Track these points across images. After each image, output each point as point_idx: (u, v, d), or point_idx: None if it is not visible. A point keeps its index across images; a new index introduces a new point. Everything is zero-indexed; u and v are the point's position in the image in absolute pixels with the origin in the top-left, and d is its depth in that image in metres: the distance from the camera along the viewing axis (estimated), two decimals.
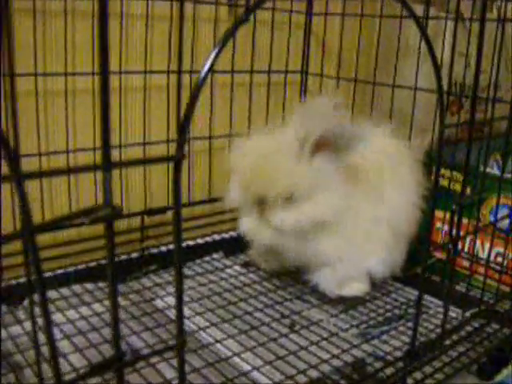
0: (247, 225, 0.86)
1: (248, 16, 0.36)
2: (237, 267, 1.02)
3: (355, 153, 0.82)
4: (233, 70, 1.09)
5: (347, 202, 0.80)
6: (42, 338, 0.75)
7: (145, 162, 0.35)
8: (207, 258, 1.05)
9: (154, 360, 0.71)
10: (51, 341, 0.32)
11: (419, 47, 1.01)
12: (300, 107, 0.83)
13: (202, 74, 0.35)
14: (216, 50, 0.36)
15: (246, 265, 1.03)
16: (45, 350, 0.72)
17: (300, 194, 0.79)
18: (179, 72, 0.30)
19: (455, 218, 0.60)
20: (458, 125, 0.99)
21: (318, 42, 1.22)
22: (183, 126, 0.34)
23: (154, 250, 1.03)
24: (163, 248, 1.05)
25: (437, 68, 0.60)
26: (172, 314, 0.85)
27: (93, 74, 0.93)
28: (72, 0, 0.91)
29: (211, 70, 0.35)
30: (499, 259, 0.96)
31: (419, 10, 0.92)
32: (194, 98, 0.34)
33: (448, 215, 1.01)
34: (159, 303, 0.88)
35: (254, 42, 1.11)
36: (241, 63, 1.11)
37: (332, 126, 0.77)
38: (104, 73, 0.30)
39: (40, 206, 0.91)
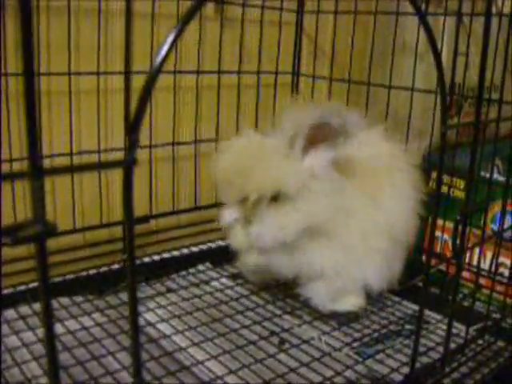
0: (236, 240, 0.80)
1: None
2: (224, 280, 0.96)
3: (352, 145, 0.76)
4: (219, 70, 1.03)
5: (341, 207, 0.75)
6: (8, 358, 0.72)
7: (90, 167, 0.29)
8: (193, 270, 0.99)
9: None
10: None
11: (416, 46, 0.95)
12: (290, 107, 0.78)
13: (157, 61, 0.29)
14: (173, 35, 0.30)
15: (233, 277, 0.97)
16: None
17: (287, 195, 0.73)
18: (127, 72, 0.25)
19: (459, 229, 0.54)
20: (461, 125, 0.93)
21: (310, 41, 1.17)
22: (134, 125, 0.28)
23: (137, 262, 0.97)
24: (146, 259, 0.99)
25: (440, 67, 0.55)
26: (152, 332, 0.78)
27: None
28: None
29: (166, 57, 0.29)
30: (501, 269, 0.90)
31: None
32: (146, 92, 0.28)
33: (448, 223, 0.95)
34: (139, 320, 0.81)
35: (242, 41, 1.05)
36: (228, 63, 1.05)
37: (325, 116, 0.70)
38: (28, 72, 0.24)
39: None
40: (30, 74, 0.25)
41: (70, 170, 0.27)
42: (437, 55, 0.53)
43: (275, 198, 0.73)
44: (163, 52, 0.32)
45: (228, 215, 0.77)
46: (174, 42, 0.32)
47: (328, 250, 0.76)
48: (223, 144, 0.80)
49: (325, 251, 0.77)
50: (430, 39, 0.53)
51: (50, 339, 0.28)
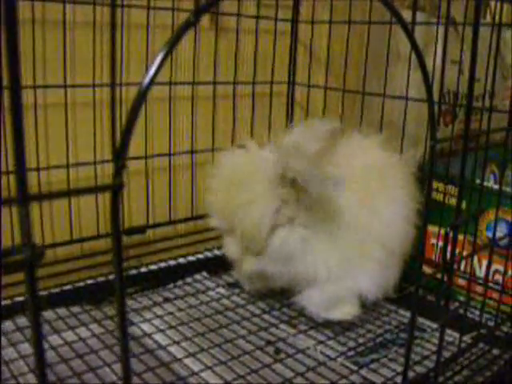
0: (230, 249, 0.83)
1: (198, 18, 0.31)
2: (220, 289, 0.96)
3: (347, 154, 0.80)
4: (215, 81, 1.04)
5: (335, 217, 0.76)
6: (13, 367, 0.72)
7: (78, 192, 0.29)
8: (189, 279, 0.99)
9: None
10: None
11: (410, 55, 0.96)
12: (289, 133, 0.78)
13: (145, 82, 0.30)
14: (161, 56, 0.30)
15: (229, 286, 0.97)
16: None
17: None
18: (112, 84, 0.26)
19: (450, 240, 0.54)
20: (450, 139, 0.93)
21: (305, 50, 1.17)
22: (121, 149, 0.29)
23: (133, 272, 0.97)
24: (143, 269, 0.99)
25: (426, 78, 0.55)
26: (148, 343, 0.79)
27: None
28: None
29: (154, 78, 0.30)
30: (497, 277, 0.90)
31: (408, 15, 0.87)
32: (133, 113, 0.29)
33: (443, 231, 0.96)
34: (135, 330, 0.82)
35: (237, 51, 1.06)
36: (224, 74, 1.06)
37: (309, 168, 0.72)
38: (15, 87, 0.25)
39: None
40: (17, 87, 0.25)
41: (57, 195, 0.27)
42: (423, 67, 0.54)
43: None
44: (152, 71, 0.32)
45: (231, 246, 0.83)
46: (161, 64, 0.32)
47: (323, 255, 0.77)
48: (217, 159, 0.83)
49: (319, 257, 0.77)
50: (415, 50, 0.53)
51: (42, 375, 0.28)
